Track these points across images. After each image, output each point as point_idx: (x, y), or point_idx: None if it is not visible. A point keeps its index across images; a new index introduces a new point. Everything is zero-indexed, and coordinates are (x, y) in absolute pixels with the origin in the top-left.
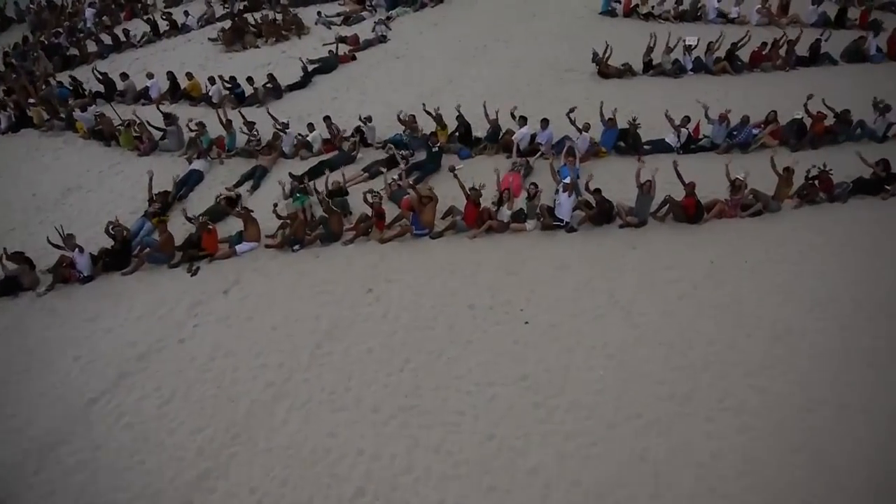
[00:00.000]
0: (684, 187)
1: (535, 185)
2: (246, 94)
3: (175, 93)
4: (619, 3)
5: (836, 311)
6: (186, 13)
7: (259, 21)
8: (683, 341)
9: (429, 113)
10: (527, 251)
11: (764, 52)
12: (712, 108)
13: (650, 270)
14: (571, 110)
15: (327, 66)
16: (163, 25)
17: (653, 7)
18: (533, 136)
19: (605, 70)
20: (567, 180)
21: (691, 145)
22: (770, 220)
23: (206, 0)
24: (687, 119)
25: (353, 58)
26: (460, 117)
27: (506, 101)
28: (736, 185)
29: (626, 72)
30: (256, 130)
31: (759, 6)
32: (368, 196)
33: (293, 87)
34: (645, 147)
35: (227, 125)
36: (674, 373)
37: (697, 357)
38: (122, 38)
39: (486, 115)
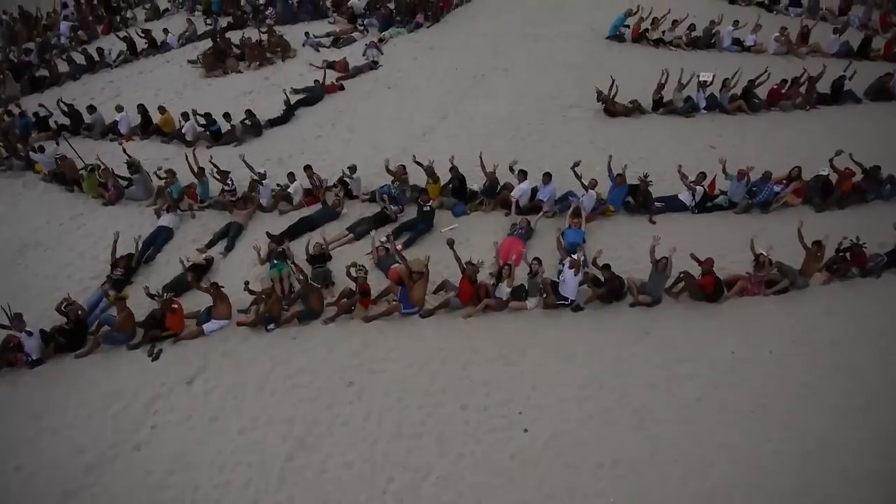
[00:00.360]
0: (700, 265)
1: (538, 262)
2: (222, 131)
3: (146, 128)
4: (628, 27)
5: (876, 418)
6: (166, 31)
7: (242, 41)
8: (703, 458)
9: (419, 164)
10: (527, 336)
11: (783, 90)
12: (727, 152)
13: (665, 363)
14: (576, 164)
15: (313, 97)
16: (141, 43)
17: (663, 32)
18: (534, 191)
19: (611, 108)
20: (575, 256)
21: (707, 203)
22: (797, 299)
23: (187, 17)
24: (702, 176)
25: (341, 87)
26: (454, 169)
27: (505, 141)
28: (760, 262)
29: (634, 110)
30: (231, 180)
31: (777, 34)
32: (352, 270)
33: (274, 123)
34: (656, 205)
35: (199, 173)
36: (694, 500)
37: (719, 480)
38: (97, 58)
39: (483, 167)
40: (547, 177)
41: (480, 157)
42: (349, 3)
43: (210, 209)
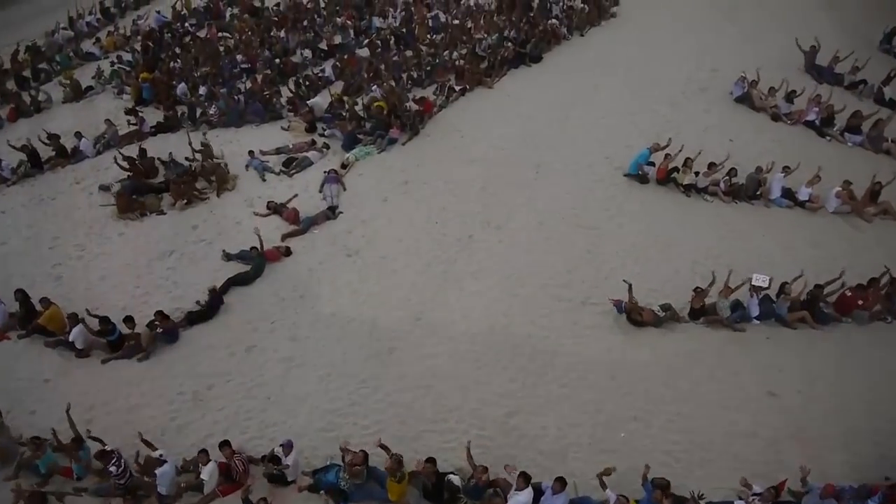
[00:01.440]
0: None
1: None
2: (123, 337)
3: (27, 320)
4: (653, 165)
5: None
6: (79, 135)
7: (166, 168)
8: None
9: (385, 448)
10: None
11: (859, 298)
12: (791, 401)
13: None
14: (607, 472)
15: (248, 275)
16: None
17: (697, 174)
18: (537, 494)
19: (636, 317)
20: None
21: None
22: None
23: (106, 119)
24: (772, 494)
25: (287, 252)
26: (431, 463)
27: (497, 372)
28: None
29: (666, 319)
30: (118, 459)
31: (840, 188)
32: None
33: (195, 319)
34: None
35: (73, 445)
36: None
37: None
38: None
39: (470, 459)
40: (559, 484)
41: (468, 449)
42: (309, 103)
43: (88, 495)
